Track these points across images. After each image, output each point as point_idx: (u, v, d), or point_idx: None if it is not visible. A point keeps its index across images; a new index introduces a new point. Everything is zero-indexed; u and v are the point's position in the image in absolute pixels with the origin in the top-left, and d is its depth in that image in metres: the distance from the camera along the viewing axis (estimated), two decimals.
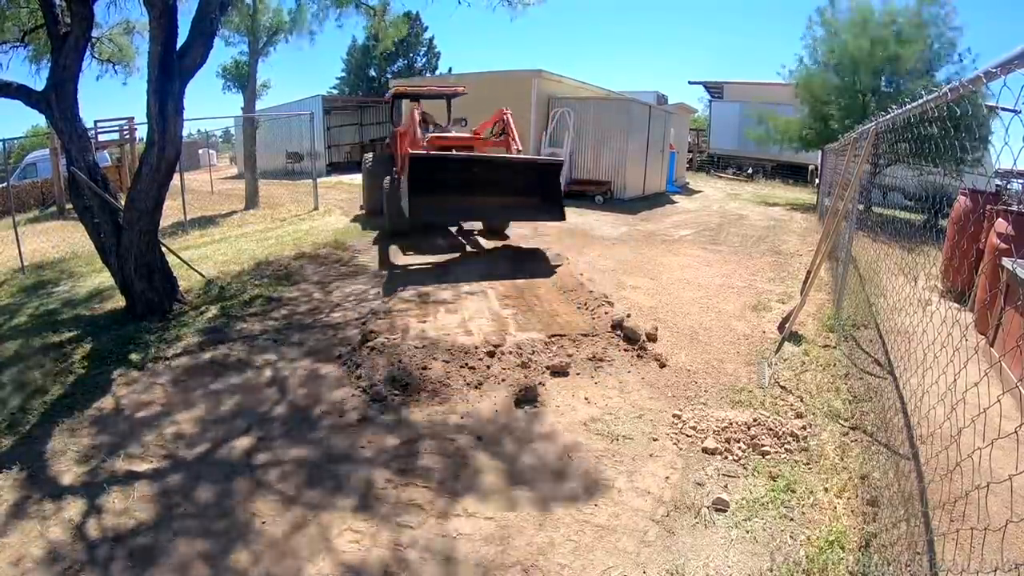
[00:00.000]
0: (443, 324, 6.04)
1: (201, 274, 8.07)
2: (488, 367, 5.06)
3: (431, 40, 46.67)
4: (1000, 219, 6.00)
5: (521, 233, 10.79)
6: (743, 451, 3.84)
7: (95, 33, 9.72)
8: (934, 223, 9.29)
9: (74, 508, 3.38)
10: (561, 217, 8.92)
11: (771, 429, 4.06)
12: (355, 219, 12.92)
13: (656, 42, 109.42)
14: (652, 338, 5.69)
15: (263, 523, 3.21)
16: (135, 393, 4.84)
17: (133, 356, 5.52)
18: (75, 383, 5.08)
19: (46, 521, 3.28)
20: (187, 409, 4.55)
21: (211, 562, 2.94)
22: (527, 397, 4.53)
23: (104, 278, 7.74)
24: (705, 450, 3.86)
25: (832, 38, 15.28)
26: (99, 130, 18.90)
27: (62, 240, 11.66)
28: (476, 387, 4.77)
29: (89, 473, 3.74)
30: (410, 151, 8.18)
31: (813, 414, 4.32)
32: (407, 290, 7.16)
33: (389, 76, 43.79)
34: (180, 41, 6.34)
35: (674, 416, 4.30)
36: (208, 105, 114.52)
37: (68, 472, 3.77)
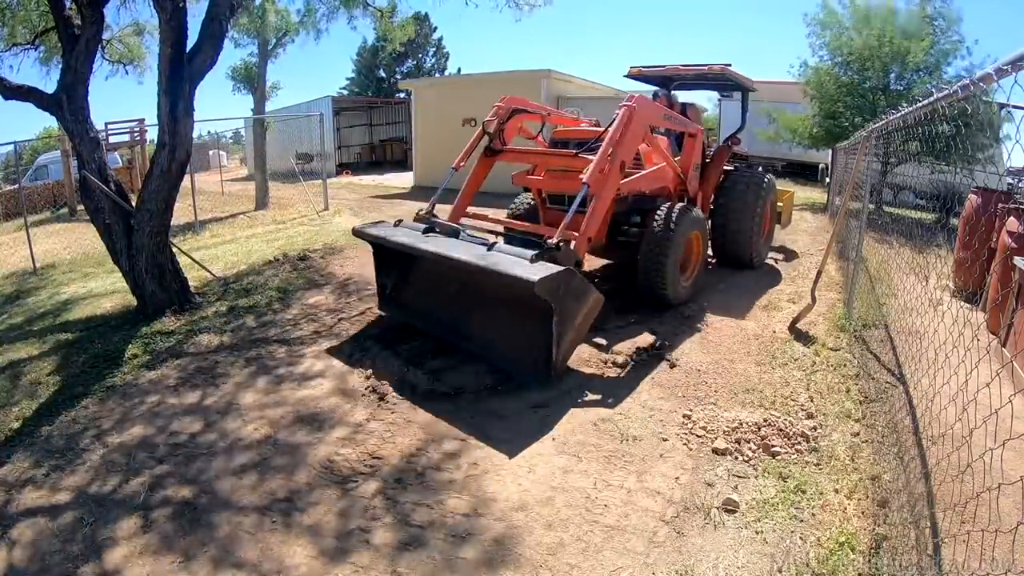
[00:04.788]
0: None
1: (212, 274, 8.12)
2: None
3: (440, 41, 46.82)
4: (1012, 218, 5.95)
5: None
6: (753, 452, 3.83)
7: (106, 35, 9.80)
8: (945, 222, 9.25)
9: None
10: None
11: (781, 430, 4.05)
12: (365, 219, 12.95)
13: (665, 41, 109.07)
14: (662, 337, 5.68)
15: None
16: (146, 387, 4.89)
17: (139, 356, 5.58)
18: (82, 377, 5.14)
19: None
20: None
21: None
22: (539, 402, 4.54)
23: (116, 278, 7.80)
24: (715, 450, 3.85)
25: (835, 38, 15.16)
26: (110, 132, 19.06)
27: (73, 241, 11.76)
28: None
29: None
30: None
31: (824, 414, 4.30)
32: None
33: (398, 77, 44.00)
34: (190, 43, 6.39)
35: (684, 416, 4.29)
36: (218, 107, 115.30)
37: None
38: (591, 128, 6.87)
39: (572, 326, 4.63)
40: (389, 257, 5.96)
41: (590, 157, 5.40)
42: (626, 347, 5.47)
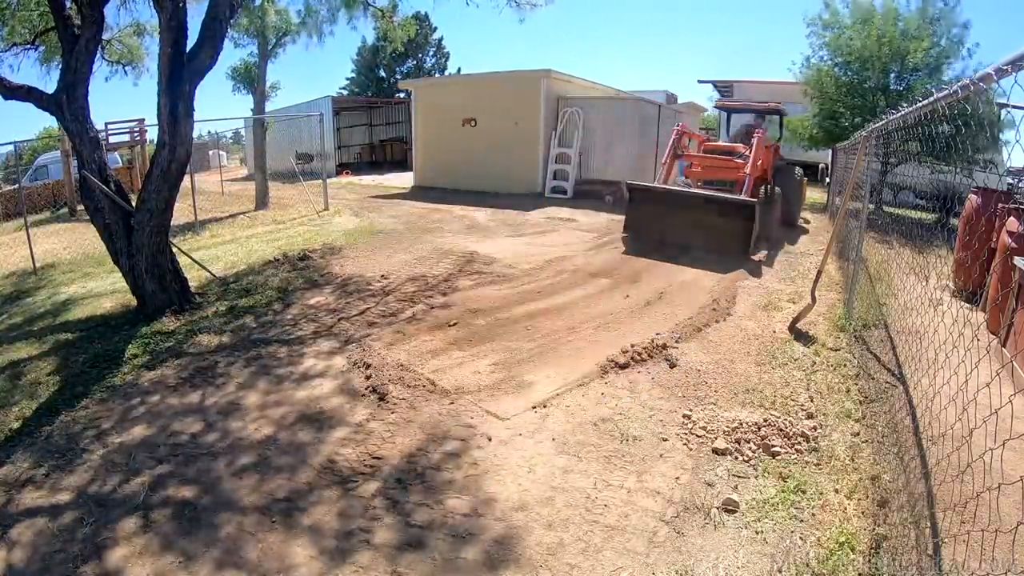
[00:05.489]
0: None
1: (212, 274, 8.12)
2: None
3: (440, 41, 46.79)
4: (1012, 218, 5.95)
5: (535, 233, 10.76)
6: (753, 451, 3.83)
7: (105, 35, 9.79)
8: (945, 222, 9.25)
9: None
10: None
11: (781, 430, 4.04)
12: (364, 219, 12.96)
13: (665, 41, 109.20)
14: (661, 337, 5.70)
15: None
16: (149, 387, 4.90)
17: (139, 356, 5.58)
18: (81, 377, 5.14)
19: None
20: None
21: None
22: (540, 401, 4.53)
23: (116, 278, 7.80)
24: (715, 450, 3.85)
25: (836, 39, 15.15)
26: (110, 132, 19.04)
27: (73, 241, 11.75)
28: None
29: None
30: None
31: (824, 415, 4.30)
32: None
33: (398, 77, 43.95)
34: (190, 43, 6.39)
35: (684, 416, 4.29)
36: (218, 107, 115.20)
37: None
38: (727, 144, 11.73)
39: (758, 231, 9.03)
40: (639, 199, 9.93)
41: (740, 161, 10.10)
42: (626, 348, 5.47)
